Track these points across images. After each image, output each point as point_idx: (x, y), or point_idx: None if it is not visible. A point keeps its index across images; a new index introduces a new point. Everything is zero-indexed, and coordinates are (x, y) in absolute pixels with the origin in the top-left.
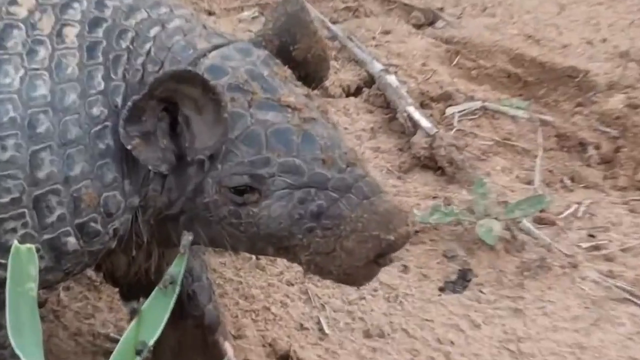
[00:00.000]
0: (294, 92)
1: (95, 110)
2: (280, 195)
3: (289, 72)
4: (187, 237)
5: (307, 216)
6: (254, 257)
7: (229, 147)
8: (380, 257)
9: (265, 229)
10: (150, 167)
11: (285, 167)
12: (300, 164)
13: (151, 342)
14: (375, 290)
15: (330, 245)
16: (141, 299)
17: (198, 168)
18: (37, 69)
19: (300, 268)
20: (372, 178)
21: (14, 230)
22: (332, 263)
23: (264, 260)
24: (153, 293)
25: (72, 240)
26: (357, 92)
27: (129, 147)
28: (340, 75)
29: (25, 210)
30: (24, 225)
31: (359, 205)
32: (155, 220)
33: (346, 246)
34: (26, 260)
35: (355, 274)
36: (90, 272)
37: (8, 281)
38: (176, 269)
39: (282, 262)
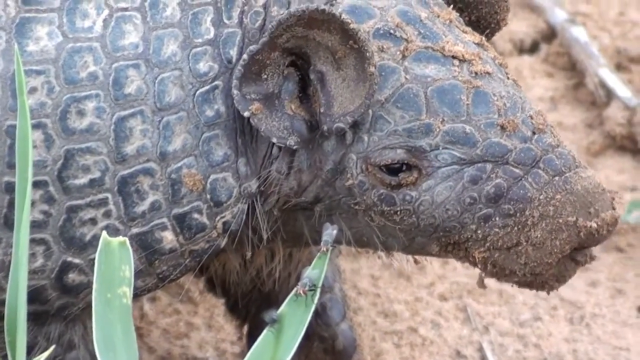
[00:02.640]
0: (461, 40)
1: (202, 66)
2: (446, 173)
3: (454, 14)
4: (330, 231)
5: (481, 200)
6: (395, 263)
7: (378, 112)
8: (578, 251)
9: (427, 218)
10: (273, 141)
11: (451, 136)
12: (471, 131)
13: None
14: (555, 309)
15: (512, 238)
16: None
17: (337, 141)
18: (125, 9)
19: (457, 279)
20: (566, 149)
21: (93, 221)
22: (515, 261)
23: (409, 266)
24: (286, 302)
25: (168, 236)
26: (532, 49)
27: (245, 114)
28: (510, 26)
29: (109, 195)
30: (107, 215)
31: (550, 184)
32: (281, 212)
33: (534, 237)
34: (118, 258)
35: (545, 273)
36: (186, 278)
37: (95, 285)
38: (316, 271)
39: (432, 271)
